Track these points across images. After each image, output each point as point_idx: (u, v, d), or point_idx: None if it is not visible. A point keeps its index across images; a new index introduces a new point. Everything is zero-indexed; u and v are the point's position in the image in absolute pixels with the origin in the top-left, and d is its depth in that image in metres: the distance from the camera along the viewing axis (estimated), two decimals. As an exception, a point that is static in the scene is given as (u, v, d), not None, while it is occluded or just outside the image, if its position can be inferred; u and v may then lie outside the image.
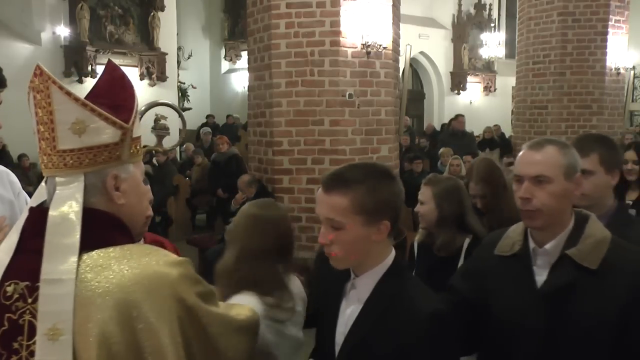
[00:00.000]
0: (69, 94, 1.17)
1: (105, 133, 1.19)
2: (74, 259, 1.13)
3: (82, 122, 1.17)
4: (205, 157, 9.25)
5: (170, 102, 1.88)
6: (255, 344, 1.49)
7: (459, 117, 10.09)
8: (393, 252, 1.55)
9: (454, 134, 9.80)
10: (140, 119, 1.71)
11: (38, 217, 1.19)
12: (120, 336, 1.08)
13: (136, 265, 1.14)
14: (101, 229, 1.19)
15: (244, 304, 1.52)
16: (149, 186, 1.41)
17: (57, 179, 1.19)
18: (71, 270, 1.12)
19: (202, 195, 8.75)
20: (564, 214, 1.65)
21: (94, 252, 1.15)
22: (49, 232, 1.15)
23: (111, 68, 1.29)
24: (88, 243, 1.15)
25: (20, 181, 2.11)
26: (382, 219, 1.47)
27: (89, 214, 1.18)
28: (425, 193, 2.61)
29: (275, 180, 5.46)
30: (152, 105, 1.77)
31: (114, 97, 1.24)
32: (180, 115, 1.83)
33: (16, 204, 1.97)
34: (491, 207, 2.85)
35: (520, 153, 1.72)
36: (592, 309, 1.54)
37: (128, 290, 1.11)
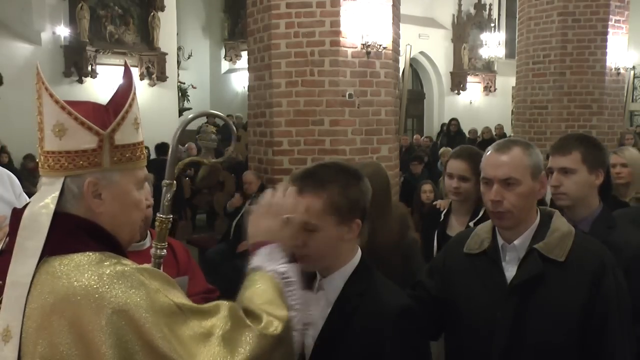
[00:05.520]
0: (51, 95, 1.18)
1: (81, 138, 1.18)
2: (33, 263, 1.12)
3: (61, 125, 1.17)
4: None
5: (218, 113, 1.85)
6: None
7: None
8: (359, 251, 1.55)
9: None
10: (184, 128, 1.68)
11: (16, 217, 1.20)
12: (64, 349, 1.06)
13: (88, 277, 1.09)
14: (71, 235, 1.16)
15: (264, 313, 1.21)
16: (144, 196, 1.36)
17: (42, 180, 1.21)
18: (27, 274, 1.11)
19: (202, 195, 8.75)
20: (531, 211, 1.72)
21: (55, 258, 1.13)
22: (19, 232, 1.16)
23: (125, 72, 1.30)
24: (54, 248, 1.14)
25: (26, 182, 2.12)
26: (354, 218, 1.47)
27: (62, 219, 1.16)
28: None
29: (275, 180, 5.46)
30: (199, 115, 1.72)
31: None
32: (230, 126, 1.80)
33: (17, 205, 1.97)
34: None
35: (487, 155, 1.74)
36: (559, 299, 1.61)
37: (72, 301, 1.08)
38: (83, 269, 1.11)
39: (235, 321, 1.15)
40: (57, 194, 1.17)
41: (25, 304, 1.10)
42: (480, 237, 1.78)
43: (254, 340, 1.13)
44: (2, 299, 1.14)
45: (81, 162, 1.18)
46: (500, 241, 1.73)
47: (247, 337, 1.13)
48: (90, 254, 1.14)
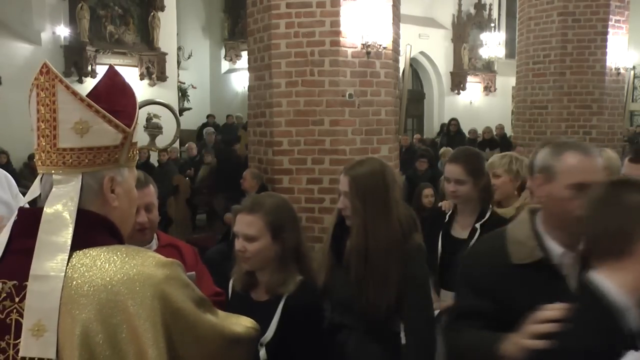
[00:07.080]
0: (75, 93, 1.18)
1: (107, 135, 1.20)
2: (64, 257, 1.13)
3: (85, 123, 1.17)
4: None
5: (163, 101, 1.87)
6: (251, 357, 1.47)
7: None
8: None
9: None
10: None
11: (27, 218, 1.20)
12: (104, 337, 1.09)
13: (122, 266, 1.14)
14: (93, 229, 1.19)
15: (244, 316, 1.48)
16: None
17: (55, 177, 1.20)
18: (60, 268, 1.12)
19: (202, 195, 8.76)
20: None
21: (82, 252, 1.15)
22: (42, 229, 1.15)
23: (112, 73, 1.30)
24: (79, 242, 1.15)
25: (29, 182, 2.13)
26: None
27: (81, 214, 1.18)
28: (255, 224, 1.97)
29: (275, 180, 5.46)
30: (145, 104, 1.74)
31: (113, 102, 1.25)
32: (175, 114, 1.82)
33: (14, 205, 1.98)
34: None
35: (574, 158, 1.65)
36: None
37: (113, 291, 1.11)
38: (117, 259, 1.15)
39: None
40: (78, 190, 1.18)
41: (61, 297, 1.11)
42: (526, 245, 1.67)
43: (247, 325, 1.42)
44: (23, 295, 1.13)
45: (102, 159, 1.20)
46: (558, 249, 1.65)
47: (243, 319, 1.44)
48: (117, 246, 1.19)
